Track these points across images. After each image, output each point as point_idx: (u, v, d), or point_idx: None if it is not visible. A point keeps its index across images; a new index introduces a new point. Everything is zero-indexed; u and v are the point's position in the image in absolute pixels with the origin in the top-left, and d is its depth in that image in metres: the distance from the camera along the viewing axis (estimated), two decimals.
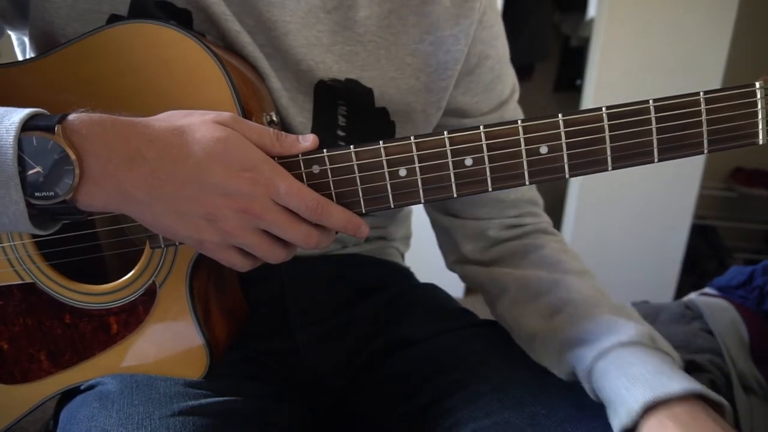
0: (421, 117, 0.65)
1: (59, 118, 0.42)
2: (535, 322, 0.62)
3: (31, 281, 0.55)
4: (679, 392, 0.48)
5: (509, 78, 0.71)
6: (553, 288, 0.63)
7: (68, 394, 0.59)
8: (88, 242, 0.56)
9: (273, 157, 0.47)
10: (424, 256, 0.84)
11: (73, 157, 0.41)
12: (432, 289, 0.77)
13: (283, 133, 0.49)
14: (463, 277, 0.75)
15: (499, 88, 0.69)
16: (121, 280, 0.53)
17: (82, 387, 0.58)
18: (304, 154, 0.48)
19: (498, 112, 0.70)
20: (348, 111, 0.63)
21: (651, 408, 0.48)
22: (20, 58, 0.66)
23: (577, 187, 2.40)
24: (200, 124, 0.45)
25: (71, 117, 0.42)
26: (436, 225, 0.76)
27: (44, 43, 0.56)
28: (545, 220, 0.74)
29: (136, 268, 0.53)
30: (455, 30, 0.63)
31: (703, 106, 0.47)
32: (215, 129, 0.45)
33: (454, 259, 0.75)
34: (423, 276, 0.80)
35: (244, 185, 0.45)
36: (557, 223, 2.57)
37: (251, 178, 0.45)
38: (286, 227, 0.47)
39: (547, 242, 0.70)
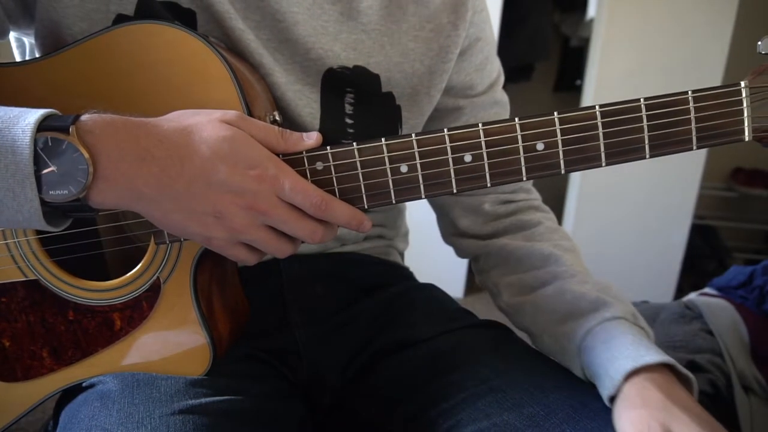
0: (425, 99, 0.69)
1: (73, 119, 0.43)
2: (524, 291, 0.68)
3: (34, 278, 0.55)
4: (655, 362, 0.53)
5: (496, 61, 0.76)
6: (544, 263, 0.68)
7: (68, 394, 0.59)
8: (90, 239, 0.56)
9: (278, 155, 0.48)
10: (424, 256, 0.85)
11: (86, 156, 0.42)
12: (432, 289, 0.77)
13: (287, 130, 0.50)
14: (457, 250, 0.79)
15: (488, 68, 0.74)
16: (125, 276, 0.53)
17: (83, 386, 0.59)
18: (307, 151, 0.49)
19: (489, 94, 0.74)
20: (355, 98, 0.64)
21: (631, 375, 0.53)
22: (18, 59, 0.66)
23: (577, 186, 2.40)
24: (207, 123, 0.46)
25: (84, 117, 0.43)
26: (432, 202, 0.79)
27: (51, 42, 0.56)
28: (536, 197, 0.79)
29: (141, 264, 0.53)
30: (453, 17, 0.68)
31: (691, 104, 0.48)
32: (221, 128, 0.46)
33: (451, 233, 0.78)
34: (423, 276, 0.80)
35: (250, 183, 0.46)
36: (557, 223, 2.58)
37: (257, 175, 0.46)
38: (291, 223, 0.48)
39: (540, 219, 0.75)
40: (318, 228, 0.49)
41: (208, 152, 0.45)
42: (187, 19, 0.57)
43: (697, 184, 2.38)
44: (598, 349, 0.57)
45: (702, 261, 2.68)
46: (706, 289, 1.49)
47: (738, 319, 1.32)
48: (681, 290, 2.46)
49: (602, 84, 2.31)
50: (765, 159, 2.78)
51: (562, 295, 0.64)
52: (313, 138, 0.50)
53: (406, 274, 0.80)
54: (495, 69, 0.75)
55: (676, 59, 2.25)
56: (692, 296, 1.48)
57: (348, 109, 0.64)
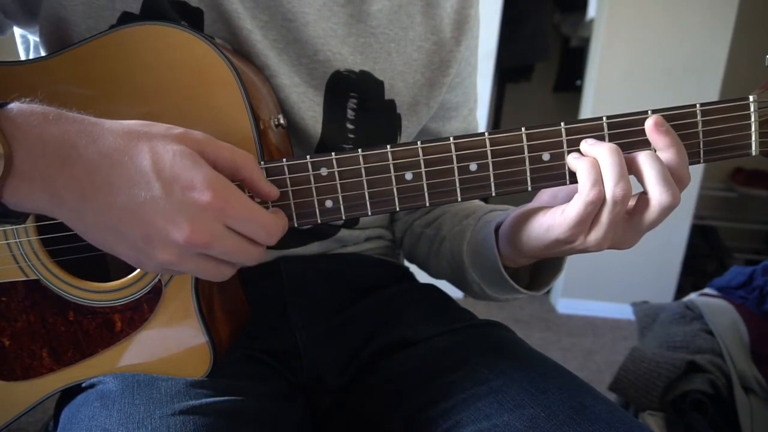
0: (424, 110, 0.69)
1: None
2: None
3: (35, 278, 0.55)
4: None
5: (476, 88, 0.78)
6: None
7: (68, 394, 0.59)
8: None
9: (238, 182, 0.45)
10: None
11: None
12: (432, 290, 0.77)
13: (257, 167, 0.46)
14: (408, 240, 0.78)
15: (472, 93, 0.76)
16: (127, 278, 0.53)
17: (83, 386, 0.59)
18: (312, 156, 0.48)
19: (469, 118, 0.76)
20: (358, 103, 0.64)
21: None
22: (23, 55, 0.66)
23: None
24: (162, 132, 0.41)
25: (11, 105, 0.39)
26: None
27: (56, 39, 0.56)
28: None
29: None
30: (456, 33, 0.68)
31: (699, 117, 0.48)
32: (174, 140, 0.41)
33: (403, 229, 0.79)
34: (423, 276, 0.80)
35: (190, 207, 0.40)
36: None
37: (200, 199, 0.40)
38: (237, 255, 0.43)
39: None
40: (262, 253, 0.45)
41: (147, 163, 0.39)
42: (194, 18, 0.57)
43: (697, 184, 2.38)
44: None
45: (702, 261, 2.68)
46: (707, 290, 1.49)
47: (738, 320, 1.33)
48: (681, 290, 2.47)
49: (602, 84, 2.31)
50: (765, 159, 2.78)
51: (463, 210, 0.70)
52: (274, 192, 0.47)
53: (407, 275, 0.80)
54: (474, 95, 0.77)
55: (676, 59, 2.25)
56: (692, 296, 1.49)
57: (350, 114, 0.64)
